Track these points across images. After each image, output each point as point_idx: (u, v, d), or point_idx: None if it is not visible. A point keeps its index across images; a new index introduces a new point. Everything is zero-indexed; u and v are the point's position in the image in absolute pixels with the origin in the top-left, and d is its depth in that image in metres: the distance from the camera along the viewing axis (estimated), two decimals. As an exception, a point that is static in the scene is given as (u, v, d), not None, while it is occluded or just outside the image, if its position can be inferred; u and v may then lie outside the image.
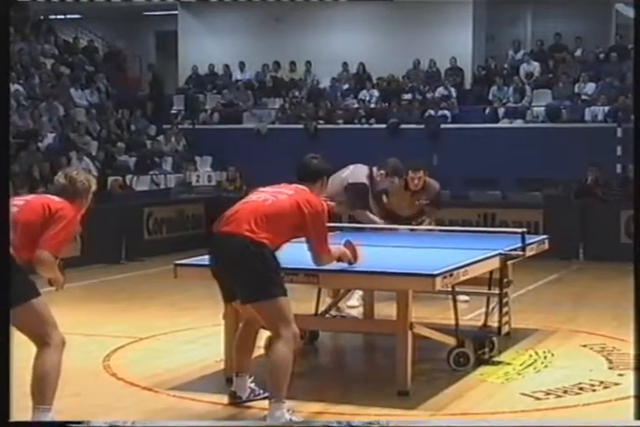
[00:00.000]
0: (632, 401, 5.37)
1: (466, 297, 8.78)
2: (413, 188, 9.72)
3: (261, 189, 5.92)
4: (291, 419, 5.44)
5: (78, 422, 4.94)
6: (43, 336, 5.24)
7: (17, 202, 5.34)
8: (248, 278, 5.51)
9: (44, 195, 5.53)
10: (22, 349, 5.15)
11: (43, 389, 5.14)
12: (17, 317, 5.10)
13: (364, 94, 20.00)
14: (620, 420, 5.57)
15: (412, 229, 9.32)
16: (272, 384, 5.53)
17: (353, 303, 9.11)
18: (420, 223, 9.86)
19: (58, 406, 5.46)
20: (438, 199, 10.05)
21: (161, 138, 19.06)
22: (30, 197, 5.51)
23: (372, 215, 9.18)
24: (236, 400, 5.97)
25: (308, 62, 20.82)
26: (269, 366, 5.52)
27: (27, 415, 5.06)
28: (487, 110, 18.98)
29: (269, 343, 5.70)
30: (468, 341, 7.07)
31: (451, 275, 6.26)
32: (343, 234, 8.83)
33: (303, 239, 5.81)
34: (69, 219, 5.33)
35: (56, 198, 5.37)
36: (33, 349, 5.21)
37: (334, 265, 6.20)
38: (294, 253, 5.86)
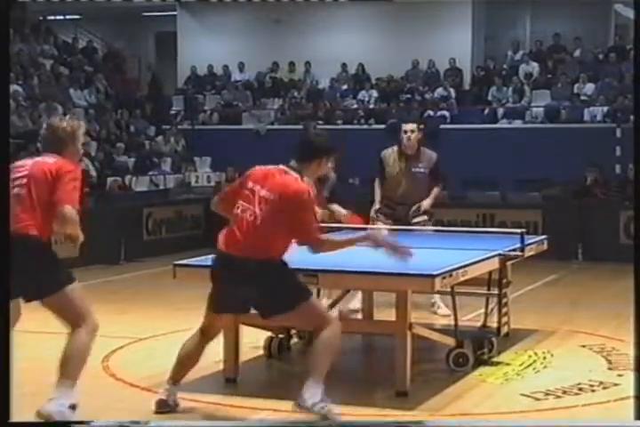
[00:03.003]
0: (632, 402, 5.38)
1: (446, 311, 8.65)
2: (406, 142, 9.02)
3: (250, 183, 5.62)
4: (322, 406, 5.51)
5: (81, 422, 4.95)
6: (77, 320, 5.32)
7: (18, 181, 5.28)
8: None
9: (36, 159, 5.42)
10: (22, 349, 5.15)
11: (68, 364, 5.28)
12: (53, 303, 5.26)
13: (363, 95, 20.00)
14: (621, 420, 5.56)
15: (411, 230, 9.31)
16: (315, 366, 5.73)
17: (355, 306, 9.02)
18: (419, 208, 9.21)
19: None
20: (438, 169, 9.23)
21: (160, 138, 19.06)
22: (26, 168, 5.36)
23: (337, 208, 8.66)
24: (163, 409, 5.77)
25: (307, 63, 20.82)
26: (315, 351, 5.76)
27: (27, 416, 5.05)
28: (486, 111, 18.99)
29: (315, 335, 5.76)
30: (468, 341, 7.07)
31: (450, 275, 6.26)
32: (343, 234, 8.83)
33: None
34: (71, 173, 5.29)
35: (50, 160, 5.33)
36: (33, 349, 5.21)
37: (334, 265, 6.20)
38: (292, 253, 5.86)
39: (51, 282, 5.28)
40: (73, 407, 5.27)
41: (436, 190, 9.33)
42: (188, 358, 5.89)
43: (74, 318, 5.33)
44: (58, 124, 5.48)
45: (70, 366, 5.28)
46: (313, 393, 5.49)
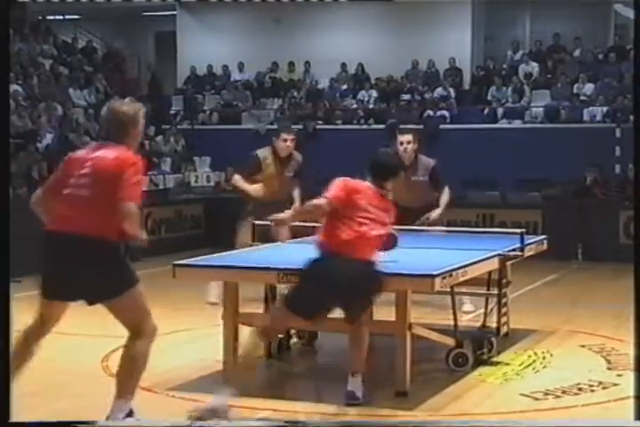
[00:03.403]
0: (631, 402, 5.38)
1: (471, 307, 8.75)
2: (402, 153, 9.10)
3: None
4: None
5: (84, 423, 4.95)
6: (138, 325, 5.22)
7: (80, 180, 5.11)
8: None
9: (97, 154, 5.17)
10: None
11: (127, 377, 5.16)
12: (116, 304, 5.15)
13: (362, 95, 19.99)
14: (621, 420, 5.56)
15: (410, 230, 9.30)
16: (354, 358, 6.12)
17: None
18: (427, 218, 9.20)
19: (57, 406, 5.47)
20: (437, 175, 9.34)
21: (160, 138, 19.05)
22: (88, 166, 5.13)
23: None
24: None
25: (307, 63, 20.82)
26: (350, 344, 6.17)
27: (27, 416, 5.05)
28: (486, 111, 18.97)
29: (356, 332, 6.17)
30: (467, 341, 7.07)
31: (450, 275, 6.26)
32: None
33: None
34: (134, 166, 5.10)
35: (111, 155, 5.11)
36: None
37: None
38: (292, 253, 5.87)
39: (115, 284, 5.12)
40: (130, 415, 5.22)
41: (444, 199, 9.34)
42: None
43: (135, 322, 5.20)
44: (119, 108, 5.25)
45: (129, 380, 5.18)
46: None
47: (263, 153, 9.79)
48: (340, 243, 5.82)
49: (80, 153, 5.31)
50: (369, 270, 5.88)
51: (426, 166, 9.31)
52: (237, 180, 9.72)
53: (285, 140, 9.72)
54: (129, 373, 5.17)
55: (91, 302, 5.23)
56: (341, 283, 5.72)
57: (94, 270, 5.07)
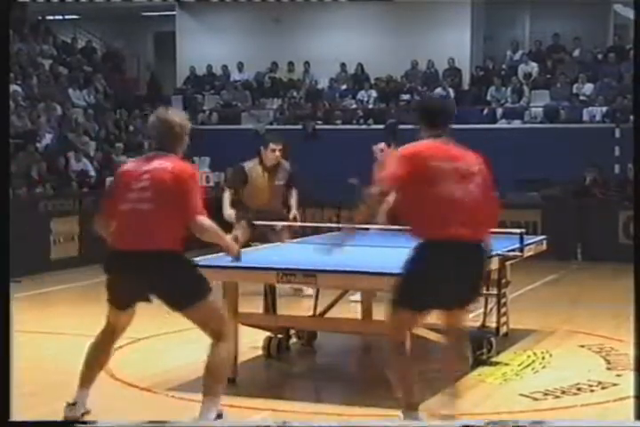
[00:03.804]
0: (631, 402, 5.38)
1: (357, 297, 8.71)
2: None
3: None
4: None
5: (85, 423, 4.95)
6: (220, 330, 5.32)
7: (139, 194, 5.15)
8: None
9: (154, 166, 5.21)
10: (22, 349, 5.16)
11: (214, 380, 5.28)
12: (195, 313, 5.26)
13: (362, 95, 19.99)
14: (621, 420, 5.56)
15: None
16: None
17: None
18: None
19: (57, 406, 5.47)
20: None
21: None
22: (146, 178, 5.17)
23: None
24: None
25: (307, 63, 20.81)
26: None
27: (27, 415, 5.06)
28: (485, 111, 18.97)
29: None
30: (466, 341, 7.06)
31: (449, 275, 6.25)
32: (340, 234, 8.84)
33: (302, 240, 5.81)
34: (193, 177, 5.22)
35: (168, 165, 5.17)
36: (33, 349, 5.22)
37: (333, 265, 6.21)
38: (292, 253, 5.87)
39: (191, 294, 5.23)
40: (220, 416, 5.32)
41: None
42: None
43: (215, 327, 5.31)
44: (172, 119, 5.35)
45: (216, 383, 5.30)
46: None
47: (249, 165, 10.21)
48: (433, 224, 5.07)
49: (132, 165, 5.37)
50: (476, 253, 5.16)
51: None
52: (225, 198, 10.17)
53: (274, 151, 10.12)
54: (216, 376, 5.31)
55: (174, 310, 5.37)
56: (450, 273, 5.06)
57: (170, 283, 5.19)
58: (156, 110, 5.52)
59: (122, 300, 5.38)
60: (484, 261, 5.35)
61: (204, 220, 5.11)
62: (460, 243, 5.04)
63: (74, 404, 5.39)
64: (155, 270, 5.15)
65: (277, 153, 10.16)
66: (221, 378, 5.33)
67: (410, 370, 5.28)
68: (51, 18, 22.58)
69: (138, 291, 5.29)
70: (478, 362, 7.11)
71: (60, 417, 5.26)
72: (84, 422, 4.96)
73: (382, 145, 10.00)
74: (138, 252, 5.14)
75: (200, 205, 5.13)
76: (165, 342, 8.08)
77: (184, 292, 5.23)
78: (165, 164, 5.22)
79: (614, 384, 6.64)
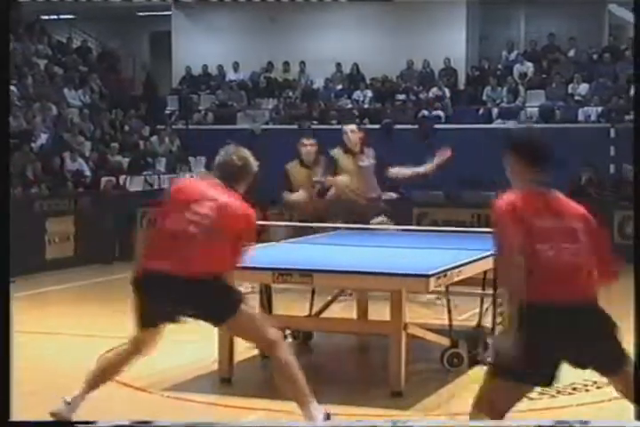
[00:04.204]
0: (625, 401, 5.37)
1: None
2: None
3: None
4: None
5: (84, 423, 4.95)
6: (266, 338, 5.35)
7: (200, 219, 5.19)
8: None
9: (222, 201, 5.29)
10: (22, 349, 5.15)
11: (293, 386, 5.29)
12: (233, 327, 5.39)
13: (357, 95, 20.00)
14: (621, 420, 5.55)
15: (405, 230, 9.32)
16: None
17: None
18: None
19: (50, 407, 5.46)
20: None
21: (154, 138, 19.03)
22: (210, 208, 5.24)
23: None
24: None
25: (302, 63, 20.81)
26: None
27: (27, 415, 5.05)
28: (481, 111, 18.98)
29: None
30: (462, 341, 7.08)
31: (445, 275, 6.27)
32: (338, 234, 8.85)
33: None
34: (254, 220, 5.37)
35: (237, 205, 5.26)
36: (33, 349, 5.22)
37: (328, 264, 6.21)
38: (288, 253, 5.87)
39: (225, 309, 5.29)
40: (328, 417, 5.31)
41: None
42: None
43: (258, 335, 5.36)
44: (249, 159, 5.47)
45: (295, 388, 5.30)
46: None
47: (290, 164, 10.24)
48: (535, 285, 4.40)
49: (191, 185, 5.50)
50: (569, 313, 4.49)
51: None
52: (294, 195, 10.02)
53: (305, 145, 10.17)
54: (292, 381, 5.30)
55: (215, 324, 5.56)
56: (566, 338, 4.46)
57: (205, 304, 5.25)
58: (230, 148, 5.56)
59: (152, 318, 5.46)
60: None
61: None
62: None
63: (69, 403, 5.39)
64: (190, 295, 5.20)
65: (309, 148, 10.23)
66: (298, 379, 5.29)
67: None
68: (46, 17, 22.55)
69: (169, 312, 5.37)
70: (474, 362, 7.11)
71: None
72: (85, 422, 4.96)
73: (353, 126, 10.08)
74: (176, 276, 5.15)
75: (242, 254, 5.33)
76: (161, 342, 8.06)
77: (218, 309, 5.30)
78: (232, 201, 5.31)
79: (609, 384, 6.63)
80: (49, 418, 5.32)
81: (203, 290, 5.19)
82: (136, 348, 5.54)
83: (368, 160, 9.87)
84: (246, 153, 5.55)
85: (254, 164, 5.52)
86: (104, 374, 5.51)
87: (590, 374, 6.85)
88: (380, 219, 9.60)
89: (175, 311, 5.33)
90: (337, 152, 10.02)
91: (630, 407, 4.62)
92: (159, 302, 5.29)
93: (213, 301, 5.26)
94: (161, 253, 5.25)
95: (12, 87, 17.37)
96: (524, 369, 4.35)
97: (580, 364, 4.60)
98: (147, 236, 5.47)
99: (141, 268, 5.35)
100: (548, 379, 4.51)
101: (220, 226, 5.20)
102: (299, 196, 9.88)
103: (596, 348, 4.56)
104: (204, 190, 5.35)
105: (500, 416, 4.52)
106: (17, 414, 4.60)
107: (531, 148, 4.83)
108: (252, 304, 7.23)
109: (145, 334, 5.51)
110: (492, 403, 4.49)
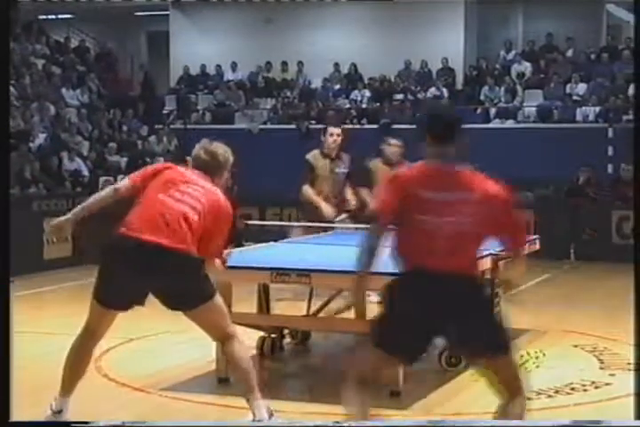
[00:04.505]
0: (623, 401, 5.39)
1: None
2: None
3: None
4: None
5: (82, 423, 4.94)
6: (226, 330, 5.38)
7: (183, 197, 5.28)
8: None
9: (207, 187, 5.40)
10: (22, 349, 5.15)
11: (247, 383, 5.34)
12: (201, 314, 5.33)
13: (355, 95, 20.00)
14: (621, 420, 5.55)
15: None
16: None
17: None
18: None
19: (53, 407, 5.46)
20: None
21: (153, 138, 19.03)
22: (200, 193, 5.34)
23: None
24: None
25: (300, 62, 20.81)
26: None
27: (27, 415, 5.05)
28: (479, 110, 18.99)
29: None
30: (460, 341, 7.07)
31: (442, 275, 6.25)
32: (336, 234, 8.86)
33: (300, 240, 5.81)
34: (230, 217, 5.40)
35: (217, 194, 5.37)
36: (33, 349, 5.22)
37: (327, 265, 6.20)
38: (286, 253, 5.87)
39: (198, 295, 5.31)
40: (271, 414, 5.36)
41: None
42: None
43: (223, 327, 5.37)
44: (217, 150, 5.59)
45: (247, 384, 5.36)
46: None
47: (311, 155, 9.85)
48: (418, 253, 4.47)
49: (179, 169, 5.59)
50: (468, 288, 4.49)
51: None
52: (310, 193, 9.66)
53: (332, 135, 9.66)
54: (244, 376, 5.36)
55: (175, 309, 5.44)
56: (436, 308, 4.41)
57: (179, 283, 5.24)
58: (203, 142, 5.76)
59: (117, 298, 5.34)
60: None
61: (219, 264, 5.40)
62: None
63: (59, 412, 5.36)
64: (166, 268, 5.15)
65: (335, 137, 9.66)
66: (251, 373, 5.36)
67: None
68: (44, 17, 22.55)
69: (139, 289, 5.28)
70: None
71: (55, 418, 5.26)
72: (83, 423, 4.95)
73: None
74: (153, 245, 5.13)
75: (221, 247, 5.38)
76: (158, 342, 8.07)
77: (192, 292, 5.28)
78: (216, 191, 5.42)
79: (607, 384, 6.65)
80: (49, 418, 5.32)
81: (187, 268, 5.19)
82: (93, 335, 5.47)
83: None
84: (217, 147, 5.65)
85: (225, 159, 5.58)
86: (75, 372, 5.45)
87: (589, 375, 6.89)
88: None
89: (148, 286, 5.23)
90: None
91: (629, 407, 4.62)
92: (134, 272, 5.17)
93: (193, 283, 5.25)
94: (150, 226, 5.21)
95: (10, 87, 17.37)
96: (390, 338, 4.43)
97: (454, 342, 4.56)
98: (134, 204, 5.42)
99: (125, 234, 5.26)
100: (413, 352, 4.54)
101: (206, 212, 5.26)
102: (326, 210, 9.38)
103: (471, 326, 4.39)
104: (193, 175, 5.48)
105: (362, 379, 4.61)
106: (17, 415, 4.60)
107: (437, 123, 4.79)
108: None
109: (105, 318, 5.45)
110: (358, 362, 4.67)
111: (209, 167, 5.51)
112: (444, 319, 4.39)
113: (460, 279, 4.42)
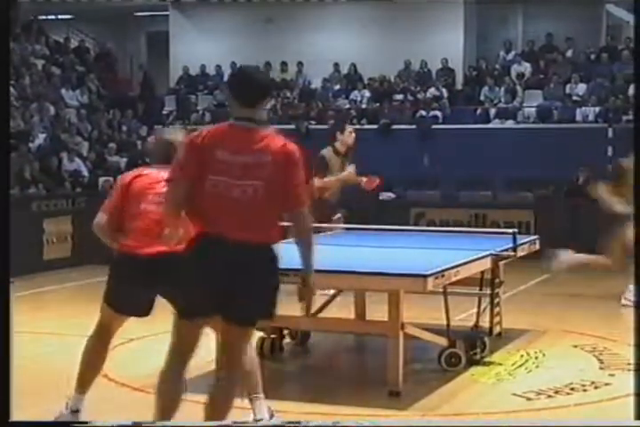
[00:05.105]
0: (623, 401, 5.40)
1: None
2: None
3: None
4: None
5: (82, 423, 4.95)
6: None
7: (157, 199, 5.17)
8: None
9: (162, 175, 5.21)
10: (22, 349, 5.15)
11: (250, 377, 5.30)
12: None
13: (355, 95, 20.00)
14: (621, 420, 5.56)
15: (403, 230, 9.33)
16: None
17: None
18: None
19: (50, 407, 5.47)
20: None
21: (152, 138, 19.02)
22: (161, 186, 5.09)
23: None
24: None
25: (300, 63, 20.82)
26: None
27: (27, 415, 5.05)
28: (478, 111, 18.99)
29: None
30: (460, 341, 7.08)
31: (442, 275, 6.27)
32: (335, 234, 8.86)
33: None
34: None
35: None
36: (32, 349, 5.22)
37: (325, 264, 6.20)
38: (285, 253, 5.84)
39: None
40: (272, 415, 5.38)
41: None
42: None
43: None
44: (167, 138, 5.45)
45: (250, 378, 5.34)
46: None
47: (326, 151, 10.08)
48: (210, 216, 4.49)
49: (150, 171, 5.41)
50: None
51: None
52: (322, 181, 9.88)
53: (351, 133, 10.14)
54: (249, 373, 5.32)
55: None
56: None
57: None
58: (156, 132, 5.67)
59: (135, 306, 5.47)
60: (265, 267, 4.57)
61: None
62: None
63: (77, 411, 5.40)
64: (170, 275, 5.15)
65: (353, 134, 10.15)
66: (253, 372, 5.34)
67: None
68: (43, 17, 22.55)
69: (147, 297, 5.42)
70: (471, 362, 7.12)
71: (52, 418, 5.26)
72: (82, 423, 4.95)
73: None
74: (154, 256, 5.16)
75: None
76: (159, 342, 8.04)
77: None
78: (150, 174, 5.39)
79: (607, 384, 6.65)
80: (49, 418, 5.33)
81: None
82: (107, 334, 5.60)
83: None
84: (167, 133, 5.59)
85: (169, 142, 5.34)
86: (92, 370, 5.51)
87: (588, 375, 6.89)
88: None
89: (153, 295, 5.34)
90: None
91: (629, 408, 4.62)
92: (142, 287, 5.27)
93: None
94: (142, 235, 5.25)
95: (10, 87, 17.37)
96: (188, 301, 4.53)
97: (233, 306, 4.50)
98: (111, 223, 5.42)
99: (133, 252, 5.32)
100: (209, 311, 4.51)
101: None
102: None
103: (237, 291, 4.46)
104: (160, 173, 5.26)
105: (181, 356, 4.81)
106: (17, 414, 4.60)
107: (238, 84, 4.61)
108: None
109: (117, 321, 5.58)
110: (172, 341, 4.81)
111: (153, 154, 5.48)
112: (227, 284, 4.43)
113: (244, 245, 4.42)
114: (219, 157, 4.43)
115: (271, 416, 5.31)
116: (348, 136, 10.03)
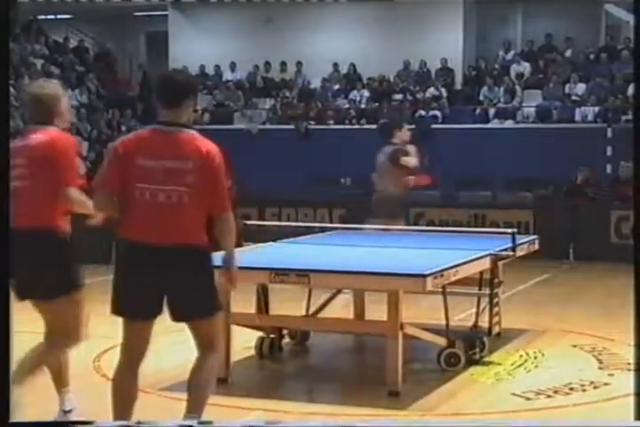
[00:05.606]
0: (622, 401, 5.40)
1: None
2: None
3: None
4: None
5: (82, 423, 4.94)
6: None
7: (19, 171, 4.96)
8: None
9: (27, 143, 5.13)
10: (22, 349, 5.15)
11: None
12: (53, 307, 5.21)
13: (354, 95, 20.00)
14: (620, 420, 5.56)
15: (402, 230, 9.33)
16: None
17: None
18: None
19: (49, 407, 5.47)
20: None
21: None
22: (22, 156, 5.05)
23: None
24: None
25: (299, 63, 20.82)
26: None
27: (26, 415, 5.05)
28: (478, 111, 19.00)
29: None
30: (459, 341, 7.08)
31: (441, 275, 6.28)
32: (335, 234, 8.87)
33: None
34: (71, 148, 5.01)
35: (42, 137, 5.04)
36: (28, 349, 5.21)
37: (325, 265, 6.20)
38: (286, 253, 5.87)
39: (63, 281, 5.22)
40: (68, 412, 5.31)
41: None
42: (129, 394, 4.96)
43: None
44: (39, 91, 5.10)
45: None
46: None
47: (393, 150, 10.16)
48: (136, 223, 4.62)
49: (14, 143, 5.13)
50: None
51: None
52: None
53: (408, 130, 10.35)
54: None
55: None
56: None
57: (43, 267, 5.09)
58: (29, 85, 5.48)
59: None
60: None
61: (73, 192, 4.99)
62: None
63: (70, 411, 5.40)
64: (31, 250, 5.01)
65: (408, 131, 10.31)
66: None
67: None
68: (43, 17, 22.55)
69: (22, 276, 5.11)
70: (471, 362, 7.12)
71: (51, 418, 5.26)
72: (82, 422, 4.95)
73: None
74: (19, 230, 4.86)
75: (73, 177, 4.98)
76: (157, 342, 8.04)
77: (51, 279, 5.17)
78: (39, 137, 5.09)
79: (606, 384, 6.65)
80: (48, 418, 5.33)
81: (45, 245, 5.18)
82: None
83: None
84: (36, 87, 5.22)
85: (50, 97, 5.06)
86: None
87: (587, 375, 6.90)
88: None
89: (25, 273, 5.09)
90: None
91: (628, 408, 4.62)
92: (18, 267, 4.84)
93: (51, 271, 5.20)
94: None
95: (9, 87, 17.36)
96: (126, 302, 4.75)
97: (172, 306, 4.75)
98: None
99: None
100: (150, 311, 4.78)
101: (35, 169, 5.01)
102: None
103: (183, 293, 4.67)
104: (18, 142, 5.19)
105: (133, 358, 4.97)
106: (16, 415, 4.61)
107: (158, 86, 4.77)
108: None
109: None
110: (123, 344, 4.95)
111: (37, 113, 5.11)
112: (162, 287, 4.63)
113: (173, 250, 4.55)
114: (140, 164, 4.50)
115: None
116: (404, 133, 10.15)
